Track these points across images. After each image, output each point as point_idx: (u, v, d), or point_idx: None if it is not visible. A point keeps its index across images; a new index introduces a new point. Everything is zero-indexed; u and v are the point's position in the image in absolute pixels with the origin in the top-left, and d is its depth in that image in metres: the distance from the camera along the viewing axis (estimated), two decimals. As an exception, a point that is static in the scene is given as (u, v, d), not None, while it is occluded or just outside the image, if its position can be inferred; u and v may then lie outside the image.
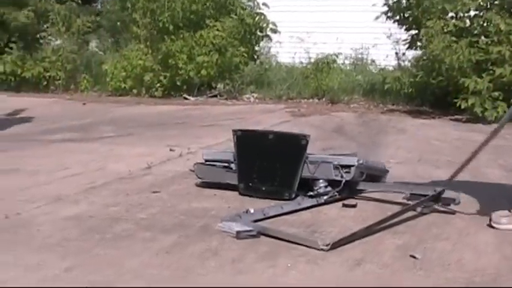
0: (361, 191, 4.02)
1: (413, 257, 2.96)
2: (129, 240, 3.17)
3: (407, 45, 9.05)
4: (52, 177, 4.52)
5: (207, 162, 4.33)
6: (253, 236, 3.25)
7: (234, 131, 4.15)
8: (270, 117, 7.86)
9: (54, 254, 2.96)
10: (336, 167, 3.92)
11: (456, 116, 7.99)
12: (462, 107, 7.71)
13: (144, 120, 7.71)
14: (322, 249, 3.03)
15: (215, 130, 6.85)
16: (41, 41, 11.66)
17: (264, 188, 4.00)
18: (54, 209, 3.67)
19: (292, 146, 4.01)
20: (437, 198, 3.72)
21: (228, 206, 3.79)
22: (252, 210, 3.57)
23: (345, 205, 3.84)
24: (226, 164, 4.24)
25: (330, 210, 3.75)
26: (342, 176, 3.91)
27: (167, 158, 5.20)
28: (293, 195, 3.94)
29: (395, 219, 3.41)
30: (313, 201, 3.85)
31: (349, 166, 3.94)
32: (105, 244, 3.11)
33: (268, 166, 4.03)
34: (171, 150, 5.54)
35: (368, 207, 3.81)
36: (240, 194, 4.07)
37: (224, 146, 5.18)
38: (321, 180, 3.96)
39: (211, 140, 6.10)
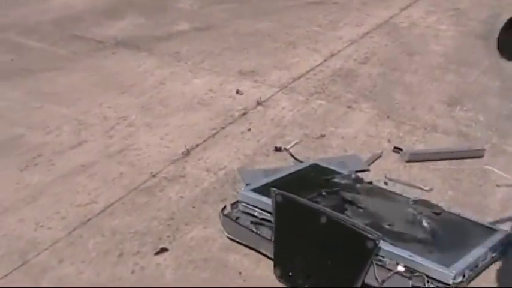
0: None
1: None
2: None
3: None
4: (44, 178, 3.38)
5: (240, 213, 2.94)
6: None
7: (274, 193, 2.67)
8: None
9: None
10: (416, 283, 2.43)
11: None
12: None
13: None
14: None
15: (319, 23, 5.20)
16: None
17: (307, 287, 2.60)
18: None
19: (352, 245, 2.51)
20: None
21: None
22: None
23: None
24: (265, 217, 2.84)
25: None
26: (426, 301, 2.42)
27: (221, 125, 3.81)
28: (348, 310, 2.53)
29: None
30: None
31: (441, 283, 2.44)
32: None
33: (316, 258, 2.61)
34: (238, 92, 4.10)
35: None
36: (277, 279, 2.71)
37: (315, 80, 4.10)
38: (392, 297, 2.51)
39: (305, 61, 4.57)
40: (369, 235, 2.45)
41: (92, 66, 4.56)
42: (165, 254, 2.86)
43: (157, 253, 2.88)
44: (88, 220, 3.06)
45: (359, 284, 2.52)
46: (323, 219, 2.56)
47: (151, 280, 2.71)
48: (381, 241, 2.53)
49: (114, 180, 3.35)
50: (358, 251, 2.49)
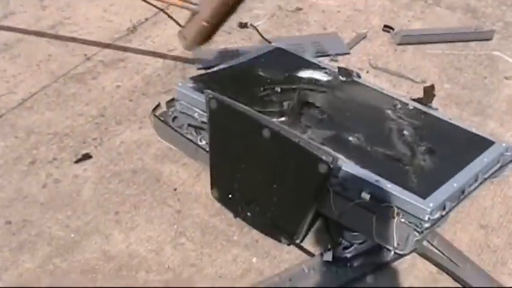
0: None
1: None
2: None
3: None
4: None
5: (178, 113, 2.40)
6: None
7: (207, 97, 2.10)
8: None
9: None
10: (382, 216, 1.93)
11: None
12: None
13: None
14: None
15: None
16: None
17: (249, 213, 2.10)
18: None
19: (302, 167, 1.95)
20: None
21: None
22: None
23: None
24: (203, 120, 2.30)
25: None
26: (392, 243, 1.93)
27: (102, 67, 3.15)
28: (296, 241, 2.04)
29: None
30: (325, 277, 1.97)
31: (414, 218, 1.92)
32: None
33: (259, 180, 2.07)
34: (131, 28, 3.18)
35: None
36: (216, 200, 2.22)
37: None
38: (350, 234, 2.01)
39: None
40: (323, 156, 1.88)
41: None
42: (87, 163, 2.35)
43: (77, 161, 2.36)
44: (0, 116, 2.52)
45: (310, 214, 1.99)
46: (266, 133, 1.98)
47: (63, 198, 2.20)
48: (343, 160, 1.98)
49: (39, 64, 2.78)
50: (309, 175, 1.94)
